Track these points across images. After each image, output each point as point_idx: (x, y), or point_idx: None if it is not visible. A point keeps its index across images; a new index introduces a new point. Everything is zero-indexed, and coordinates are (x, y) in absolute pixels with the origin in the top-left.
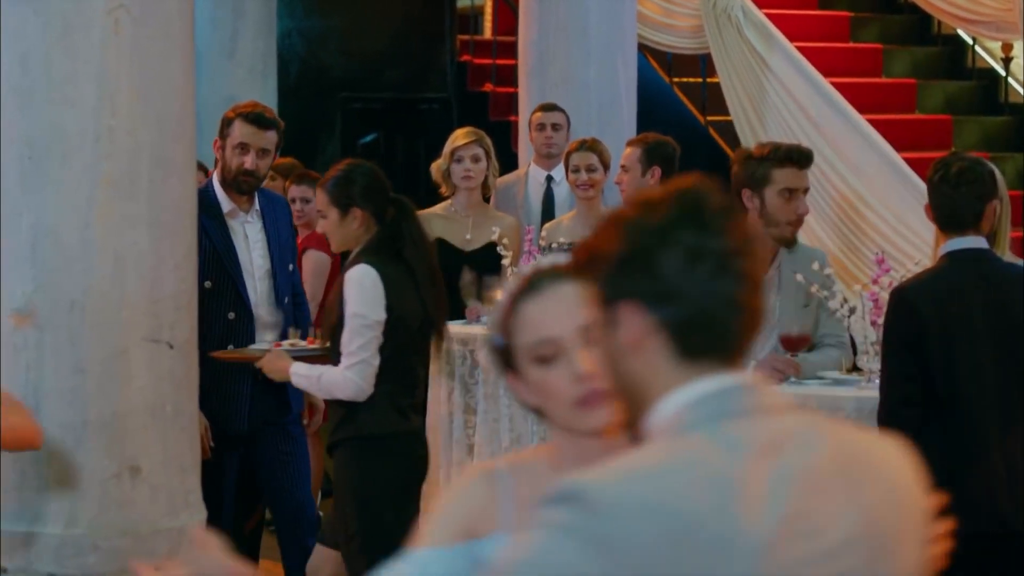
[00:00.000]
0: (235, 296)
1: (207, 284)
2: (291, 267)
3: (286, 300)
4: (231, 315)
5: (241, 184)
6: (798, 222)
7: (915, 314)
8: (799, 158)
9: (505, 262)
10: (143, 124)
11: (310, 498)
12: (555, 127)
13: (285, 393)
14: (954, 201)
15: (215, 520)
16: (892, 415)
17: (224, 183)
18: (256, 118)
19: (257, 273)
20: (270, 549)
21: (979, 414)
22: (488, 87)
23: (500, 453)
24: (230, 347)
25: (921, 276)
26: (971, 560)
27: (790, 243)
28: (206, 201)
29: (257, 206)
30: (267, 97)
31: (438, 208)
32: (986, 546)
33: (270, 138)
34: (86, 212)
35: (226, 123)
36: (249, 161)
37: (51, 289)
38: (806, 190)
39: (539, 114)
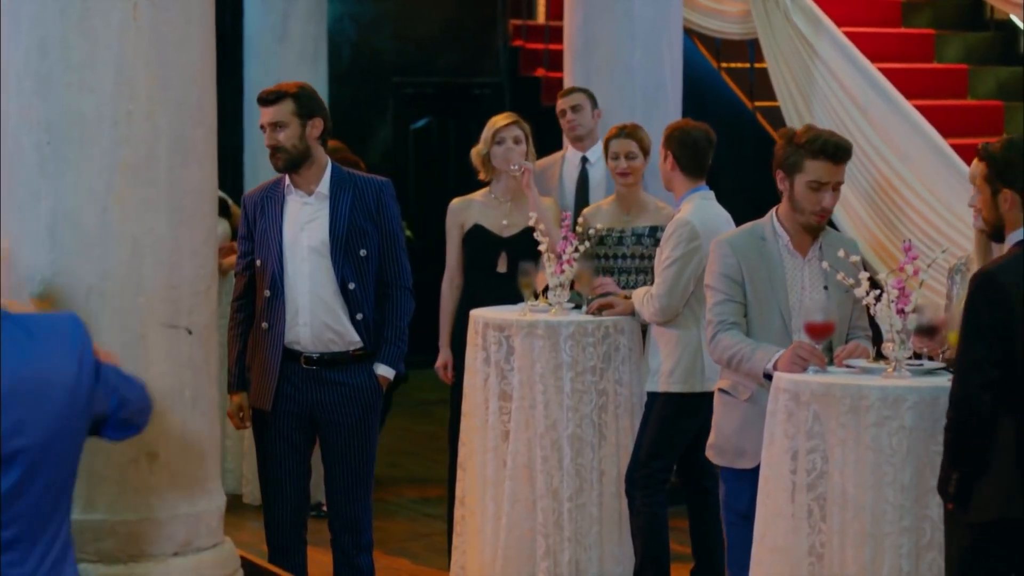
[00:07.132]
0: (271, 274)
1: (257, 263)
2: (363, 252)
3: (352, 286)
4: (267, 292)
5: (274, 162)
6: (823, 214)
7: (1008, 299)
8: (834, 152)
9: (541, 247)
10: (162, 109)
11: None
12: (575, 109)
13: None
14: None
15: None
16: (972, 399)
17: None
18: (259, 98)
19: (300, 253)
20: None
21: None
22: (540, 72)
23: (535, 440)
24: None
25: (1000, 261)
26: None
27: (814, 231)
28: (277, 181)
29: (325, 188)
30: (318, 81)
31: (477, 194)
32: None
33: (275, 112)
34: (104, 197)
35: None
36: (267, 138)
37: (69, 274)
38: (837, 184)
39: (558, 101)
